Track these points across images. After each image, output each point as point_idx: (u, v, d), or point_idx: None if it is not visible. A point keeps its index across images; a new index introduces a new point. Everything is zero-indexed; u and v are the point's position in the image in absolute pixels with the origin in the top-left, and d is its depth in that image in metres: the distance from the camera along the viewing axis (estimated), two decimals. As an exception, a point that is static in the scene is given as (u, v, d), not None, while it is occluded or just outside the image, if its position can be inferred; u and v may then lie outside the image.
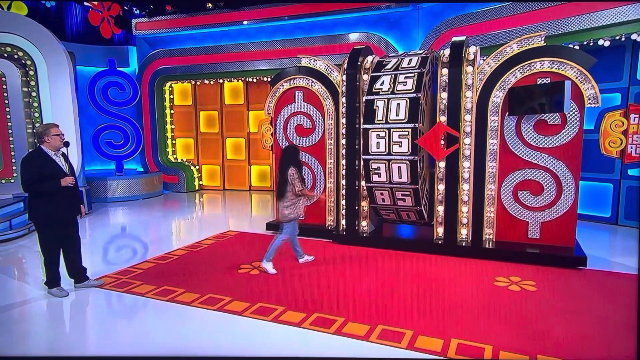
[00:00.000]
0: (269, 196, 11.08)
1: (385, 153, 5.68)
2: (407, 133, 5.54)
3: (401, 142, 5.58)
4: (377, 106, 5.74)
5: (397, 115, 5.60)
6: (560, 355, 3.25)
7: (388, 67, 5.99)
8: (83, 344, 3.66)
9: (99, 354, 3.44)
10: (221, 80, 11.53)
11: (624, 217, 7.26)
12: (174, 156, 12.32)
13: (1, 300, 4.43)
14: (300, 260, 5.45)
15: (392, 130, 5.62)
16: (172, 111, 12.22)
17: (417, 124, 5.49)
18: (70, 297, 4.45)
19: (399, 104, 5.61)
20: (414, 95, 5.57)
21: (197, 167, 12.24)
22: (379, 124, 5.69)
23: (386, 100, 5.71)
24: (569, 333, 3.61)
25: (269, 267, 5.10)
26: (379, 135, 5.69)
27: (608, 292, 4.52)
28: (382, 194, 5.86)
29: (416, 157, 5.52)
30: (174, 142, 12.33)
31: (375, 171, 5.77)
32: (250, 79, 11.13)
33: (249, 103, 11.69)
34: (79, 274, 4.64)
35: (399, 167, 5.61)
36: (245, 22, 10.75)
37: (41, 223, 4.32)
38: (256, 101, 11.48)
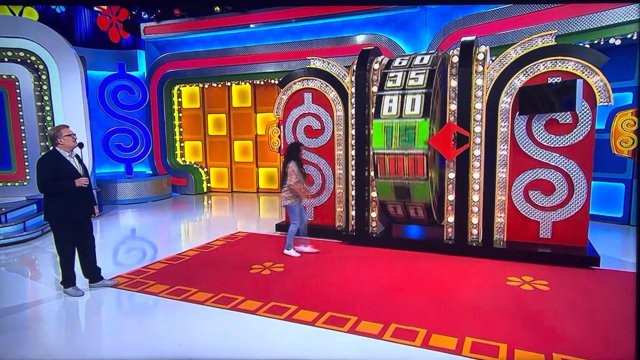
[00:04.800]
0: (276, 198, 11.11)
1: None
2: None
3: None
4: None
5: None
6: (575, 353, 3.24)
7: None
8: (98, 343, 3.70)
9: (115, 354, 3.47)
10: (229, 83, 11.60)
11: (636, 217, 7.19)
12: (183, 159, 12.41)
13: (17, 299, 4.50)
14: (285, 251, 5.77)
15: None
16: (180, 114, 12.32)
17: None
18: (85, 297, 4.51)
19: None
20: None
21: (206, 169, 12.32)
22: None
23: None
24: (583, 332, 3.59)
25: (291, 252, 5.67)
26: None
27: (621, 291, 4.49)
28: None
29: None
30: (182, 144, 12.43)
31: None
32: (258, 82, 11.20)
33: (257, 105, 11.75)
34: (93, 274, 4.70)
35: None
36: (252, 25, 10.82)
37: (56, 223, 4.38)
38: (264, 103, 11.54)
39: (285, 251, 5.72)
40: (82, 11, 11.60)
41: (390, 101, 5.77)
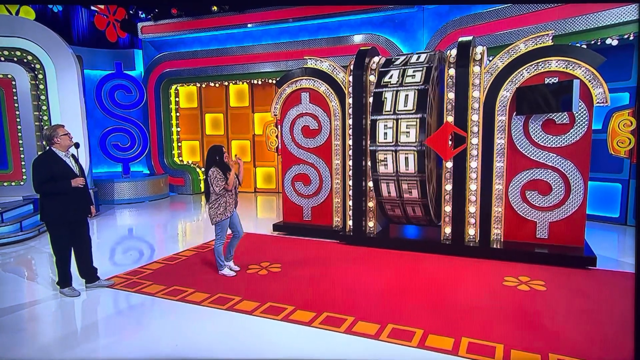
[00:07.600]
0: (274, 198, 11.10)
1: (392, 143, 5.69)
2: (414, 123, 5.57)
3: (409, 132, 5.60)
4: (386, 97, 5.79)
5: (406, 105, 5.65)
6: (572, 354, 3.24)
7: (397, 63, 6.06)
8: (95, 344, 3.69)
9: (111, 355, 3.46)
10: (226, 83, 11.59)
11: (632, 217, 7.22)
12: (180, 158, 12.38)
13: (13, 300, 4.48)
14: (219, 271, 5.09)
15: (400, 120, 5.65)
16: (177, 114, 12.29)
17: (425, 114, 5.53)
18: (81, 297, 4.49)
19: (407, 94, 5.66)
20: (423, 87, 5.63)
21: (203, 169, 12.29)
22: (387, 114, 5.74)
23: (395, 91, 5.76)
24: (580, 332, 3.60)
25: (225, 272, 5.05)
26: (386, 125, 5.72)
27: (618, 291, 4.50)
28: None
29: (423, 147, 5.53)
30: (179, 144, 12.40)
31: (382, 162, 5.80)
32: (255, 81, 11.18)
33: (254, 105, 11.73)
34: (90, 274, 4.69)
35: (406, 158, 5.66)
36: (250, 25, 10.80)
37: (52, 223, 4.36)
38: (261, 103, 11.52)
39: (220, 272, 5.07)
40: (79, 10, 11.57)
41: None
